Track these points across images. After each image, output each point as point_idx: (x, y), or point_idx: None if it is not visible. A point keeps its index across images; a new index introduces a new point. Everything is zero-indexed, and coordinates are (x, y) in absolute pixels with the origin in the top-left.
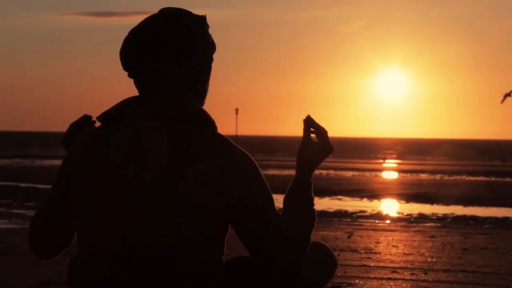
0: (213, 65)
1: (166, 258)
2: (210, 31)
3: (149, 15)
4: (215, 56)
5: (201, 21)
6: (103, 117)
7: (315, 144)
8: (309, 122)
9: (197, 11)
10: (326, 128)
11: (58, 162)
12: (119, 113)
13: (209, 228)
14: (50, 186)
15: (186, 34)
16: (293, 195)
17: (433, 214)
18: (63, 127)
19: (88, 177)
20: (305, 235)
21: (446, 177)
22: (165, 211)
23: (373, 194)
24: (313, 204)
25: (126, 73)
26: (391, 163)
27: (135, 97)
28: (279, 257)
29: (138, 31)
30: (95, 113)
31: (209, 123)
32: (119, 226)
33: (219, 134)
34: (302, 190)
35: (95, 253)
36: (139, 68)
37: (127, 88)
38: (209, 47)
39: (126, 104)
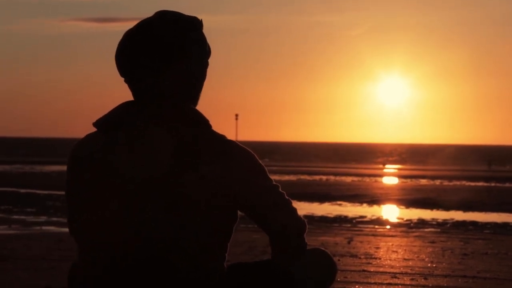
0: (214, 70)
1: (166, 261)
2: (213, 37)
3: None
4: (213, 60)
5: (197, 25)
6: (101, 122)
7: None
8: None
9: (200, 16)
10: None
11: (58, 168)
12: (118, 117)
13: (212, 231)
14: (49, 192)
15: (183, 40)
16: None
17: (433, 219)
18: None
19: (89, 181)
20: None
21: (446, 183)
22: (168, 213)
23: (373, 199)
24: None
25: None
26: (391, 168)
27: (131, 102)
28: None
29: (133, 37)
30: (97, 117)
31: (205, 122)
32: (120, 228)
33: (215, 133)
34: None
35: (94, 256)
36: (135, 75)
37: (129, 93)
38: (206, 52)
39: (123, 109)
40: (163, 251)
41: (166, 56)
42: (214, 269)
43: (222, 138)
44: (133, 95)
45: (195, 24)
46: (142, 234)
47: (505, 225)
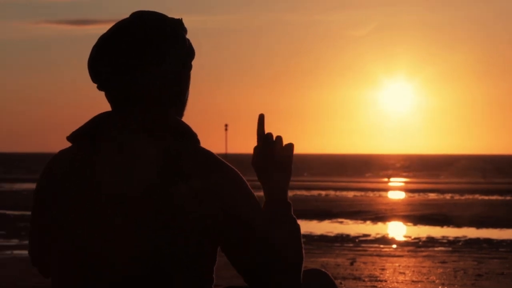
0: (200, 76)
1: (152, 280)
2: (199, 39)
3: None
4: (199, 65)
5: (177, 25)
6: (77, 135)
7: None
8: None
9: (184, 16)
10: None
11: (30, 186)
12: (97, 128)
13: (198, 250)
14: (21, 213)
15: (161, 40)
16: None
17: (443, 237)
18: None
19: (70, 199)
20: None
21: (457, 197)
22: (154, 229)
23: (378, 216)
24: (299, 236)
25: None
26: (397, 181)
27: (109, 112)
28: (274, 274)
29: (108, 38)
30: (74, 128)
31: (192, 137)
32: (104, 247)
33: (202, 148)
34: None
35: (79, 282)
36: (110, 80)
37: (107, 103)
38: (187, 53)
39: (101, 120)
40: (157, 268)
41: (143, 60)
42: None
43: (207, 152)
44: (111, 103)
45: (174, 24)
46: (135, 252)
47: None
